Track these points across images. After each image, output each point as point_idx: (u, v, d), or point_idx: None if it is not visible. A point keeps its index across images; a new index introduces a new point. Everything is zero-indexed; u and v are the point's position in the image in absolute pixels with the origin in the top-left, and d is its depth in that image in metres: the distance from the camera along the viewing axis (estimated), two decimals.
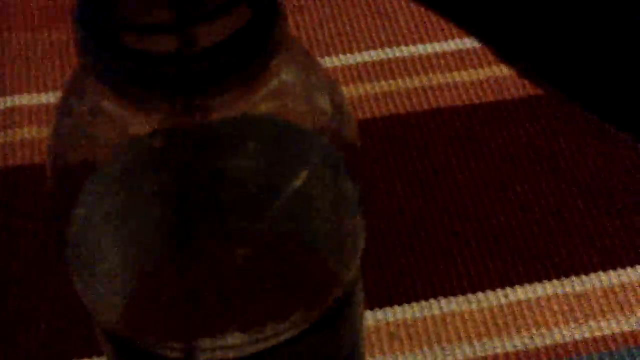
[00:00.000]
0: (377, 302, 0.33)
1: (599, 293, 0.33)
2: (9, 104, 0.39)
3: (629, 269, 0.34)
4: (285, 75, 0.20)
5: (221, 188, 0.20)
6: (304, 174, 0.21)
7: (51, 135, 0.21)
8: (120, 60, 0.17)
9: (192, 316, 0.21)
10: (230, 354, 0.21)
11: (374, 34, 0.42)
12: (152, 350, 0.21)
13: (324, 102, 0.22)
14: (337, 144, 0.22)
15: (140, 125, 0.19)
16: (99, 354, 0.32)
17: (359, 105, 0.39)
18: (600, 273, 0.34)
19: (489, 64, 0.40)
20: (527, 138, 0.38)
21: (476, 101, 0.39)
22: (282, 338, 0.21)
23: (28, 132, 0.38)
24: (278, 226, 0.21)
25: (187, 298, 0.21)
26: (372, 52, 0.41)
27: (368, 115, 0.39)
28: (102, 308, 0.21)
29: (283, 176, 0.21)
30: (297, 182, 0.21)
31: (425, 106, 0.39)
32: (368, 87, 0.40)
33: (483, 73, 0.40)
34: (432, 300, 0.33)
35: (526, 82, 0.40)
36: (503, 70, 0.40)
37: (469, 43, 0.41)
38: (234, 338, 0.21)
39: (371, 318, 0.33)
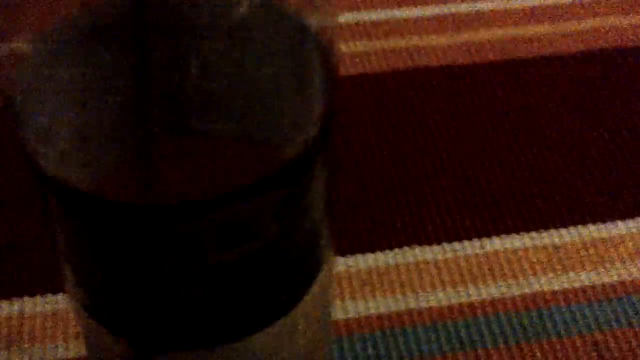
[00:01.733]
0: (349, 248, 0.32)
1: (579, 246, 0.32)
2: None
3: (609, 224, 0.33)
4: None
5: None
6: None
7: None
8: None
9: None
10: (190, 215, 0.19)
11: None
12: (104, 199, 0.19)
13: None
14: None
15: None
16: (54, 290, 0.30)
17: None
18: (580, 227, 0.32)
19: (466, 28, 0.40)
20: (504, 98, 0.37)
21: (452, 63, 0.38)
22: (238, 192, 0.19)
23: None
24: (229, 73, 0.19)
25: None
26: (349, 15, 0.40)
27: (344, 73, 0.38)
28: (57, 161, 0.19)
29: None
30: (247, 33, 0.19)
31: (402, 65, 0.38)
32: (348, 46, 0.39)
33: (460, 37, 0.39)
34: (406, 248, 0.32)
35: (504, 47, 0.39)
36: (482, 35, 0.39)
37: (446, 9, 0.41)
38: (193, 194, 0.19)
39: (342, 264, 0.31)
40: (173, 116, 0.18)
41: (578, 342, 0.29)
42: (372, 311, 0.30)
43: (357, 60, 0.38)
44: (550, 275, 0.31)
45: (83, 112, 0.17)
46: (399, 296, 0.30)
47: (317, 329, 0.24)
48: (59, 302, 0.29)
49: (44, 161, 0.18)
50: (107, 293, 0.20)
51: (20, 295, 0.30)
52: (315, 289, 0.23)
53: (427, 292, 0.30)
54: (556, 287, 0.31)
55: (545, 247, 0.32)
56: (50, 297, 0.30)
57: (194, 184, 0.18)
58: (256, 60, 0.18)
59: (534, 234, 0.32)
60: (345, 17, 0.40)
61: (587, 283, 0.31)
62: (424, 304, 0.30)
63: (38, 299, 0.30)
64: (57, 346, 0.28)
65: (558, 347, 0.29)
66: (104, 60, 0.18)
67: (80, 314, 0.21)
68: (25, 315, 0.29)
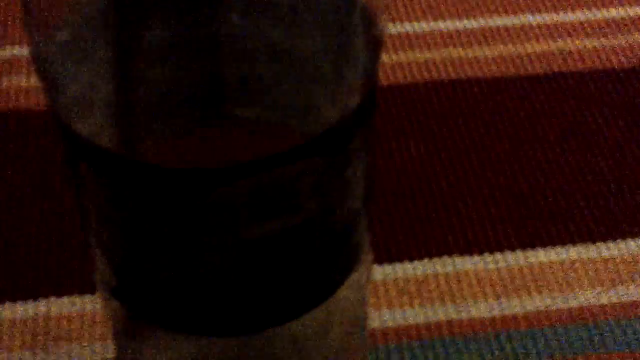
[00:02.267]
0: (387, 257, 0.30)
1: (628, 259, 0.30)
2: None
3: None
4: None
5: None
6: None
7: None
8: None
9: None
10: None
11: (401, 9, 0.40)
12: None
13: None
14: None
15: None
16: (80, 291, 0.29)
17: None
18: (629, 240, 0.31)
19: (512, 40, 0.39)
20: (550, 111, 0.36)
21: (497, 75, 0.37)
22: (277, 156, 0.18)
23: (19, 81, 0.36)
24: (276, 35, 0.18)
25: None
26: (391, 27, 0.40)
27: (384, 82, 0.37)
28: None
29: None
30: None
31: (446, 76, 0.37)
32: (390, 57, 0.38)
33: (506, 49, 0.38)
34: (445, 258, 0.30)
35: (551, 60, 0.38)
36: (529, 48, 0.38)
37: (491, 22, 0.40)
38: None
39: (380, 273, 0.30)
40: (211, 90, 0.17)
41: (628, 359, 0.28)
42: (410, 321, 0.29)
43: (399, 71, 0.37)
44: (598, 289, 0.30)
45: (119, 81, 0.17)
46: (438, 306, 0.29)
47: (350, 333, 0.23)
48: (86, 303, 0.29)
49: (79, 128, 0.18)
50: (137, 271, 0.19)
51: (46, 295, 0.29)
52: (350, 284, 0.21)
53: (468, 303, 0.29)
54: (604, 301, 0.29)
55: (592, 260, 0.30)
56: (77, 298, 0.29)
57: (232, 152, 0.17)
58: (299, 27, 0.17)
59: (580, 246, 0.31)
60: (389, 29, 0.40)
61: (636, 297, 0.29)
62: (464, 315, 0.29)
63: (65, 299, 0.29)
64: (83, 348, 0.27)
65: None
66: (142, 28, 0.17)
67: (109, 303, 0.20)
68: (52, 316, 0.28)
